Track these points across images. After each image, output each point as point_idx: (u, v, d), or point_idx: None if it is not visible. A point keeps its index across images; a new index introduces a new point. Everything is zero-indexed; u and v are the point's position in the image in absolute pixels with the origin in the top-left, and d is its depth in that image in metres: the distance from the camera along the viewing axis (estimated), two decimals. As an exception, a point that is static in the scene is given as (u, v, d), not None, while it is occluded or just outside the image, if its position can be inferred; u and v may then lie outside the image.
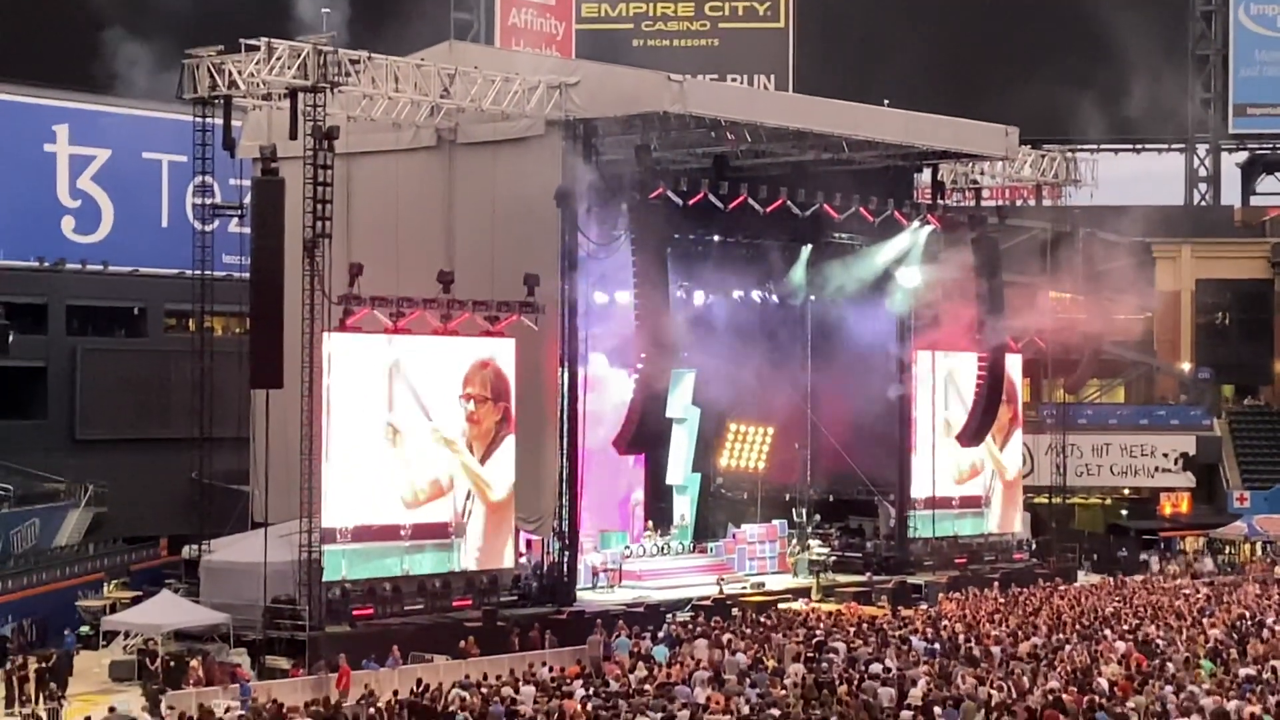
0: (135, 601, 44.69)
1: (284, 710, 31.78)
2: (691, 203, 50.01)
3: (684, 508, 57.87)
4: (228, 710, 33.99)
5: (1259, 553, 66.15)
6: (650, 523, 55.85)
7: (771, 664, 35.80)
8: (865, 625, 41.99)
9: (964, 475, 59.16)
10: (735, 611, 46.19)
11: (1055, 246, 62.38)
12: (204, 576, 44.26)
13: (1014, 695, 31.08)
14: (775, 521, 57.02)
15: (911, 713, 29.86)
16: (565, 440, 46.90)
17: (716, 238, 54.19)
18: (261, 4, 57.73)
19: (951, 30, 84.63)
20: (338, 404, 42.07)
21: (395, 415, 43.30)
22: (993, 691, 31.35)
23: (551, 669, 36.16)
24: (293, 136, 41.37)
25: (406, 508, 43.54)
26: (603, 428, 50.10)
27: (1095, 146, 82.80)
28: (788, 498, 59.66)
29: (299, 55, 41.04)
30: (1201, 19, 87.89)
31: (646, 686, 33.31)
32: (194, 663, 38.44)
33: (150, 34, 52.83)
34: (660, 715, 29.76)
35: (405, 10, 65.10)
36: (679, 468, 57.74)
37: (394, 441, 43.18)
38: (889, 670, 34.11)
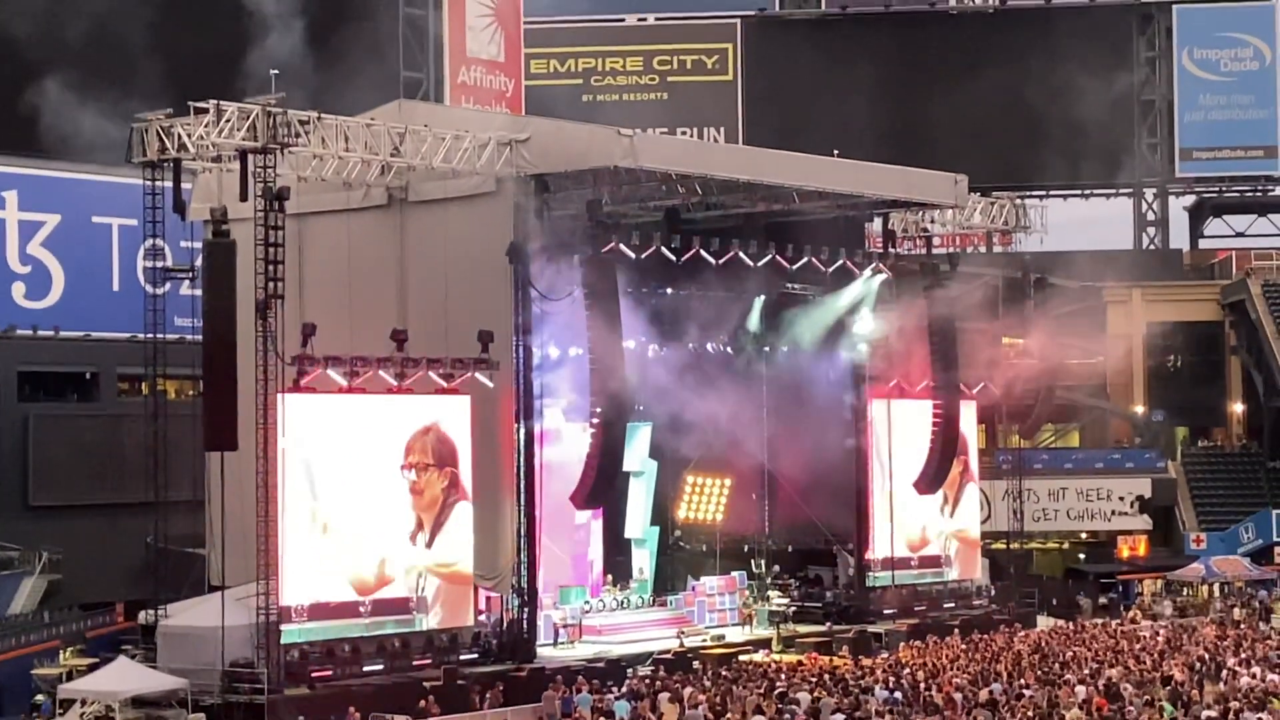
0: (92, 668, 44.26)
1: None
2: (644, 256, 50.10)
3: (643, 561, 57.76)
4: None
5: (1216, 593, 66.35)
6: (609, 577, 55.72)
7: (734, 717, 35.69)
8: (827, 675, 41.95)
9: (916, 543, 59.18)
10: (696, 664, 46.11)
11: (1007, 293, 62.64)
12: (161, 641, 43.87)
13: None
14: (734, 573, 56.97)
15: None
16: (522, 496, 46.78)
17: (670, 290, 54.28)
18: (206, 67, 57.87)
19: (899, 80, 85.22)
20: (292, 465, 41.91)
21: (343, 497, 43.13)
22: (955, 739, 31.36)
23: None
24: (243, 198, 41.32)
25: (359, 594, 43.44)
26: (560, 483, 50.02)
27: (1044, 193, 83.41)
28: (746, 549, 59.64)
29: (248, 117, 41.03)
30: (1146, 64, 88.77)
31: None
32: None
33: (98, 98, 52.74)
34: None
35: (354, 70, 65.14)
36: (637, 521, 57.68)
37: (341, 526, 43.05)
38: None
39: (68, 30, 60.37)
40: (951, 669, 42.59)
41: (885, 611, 56.98)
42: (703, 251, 51.81)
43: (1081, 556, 73.77)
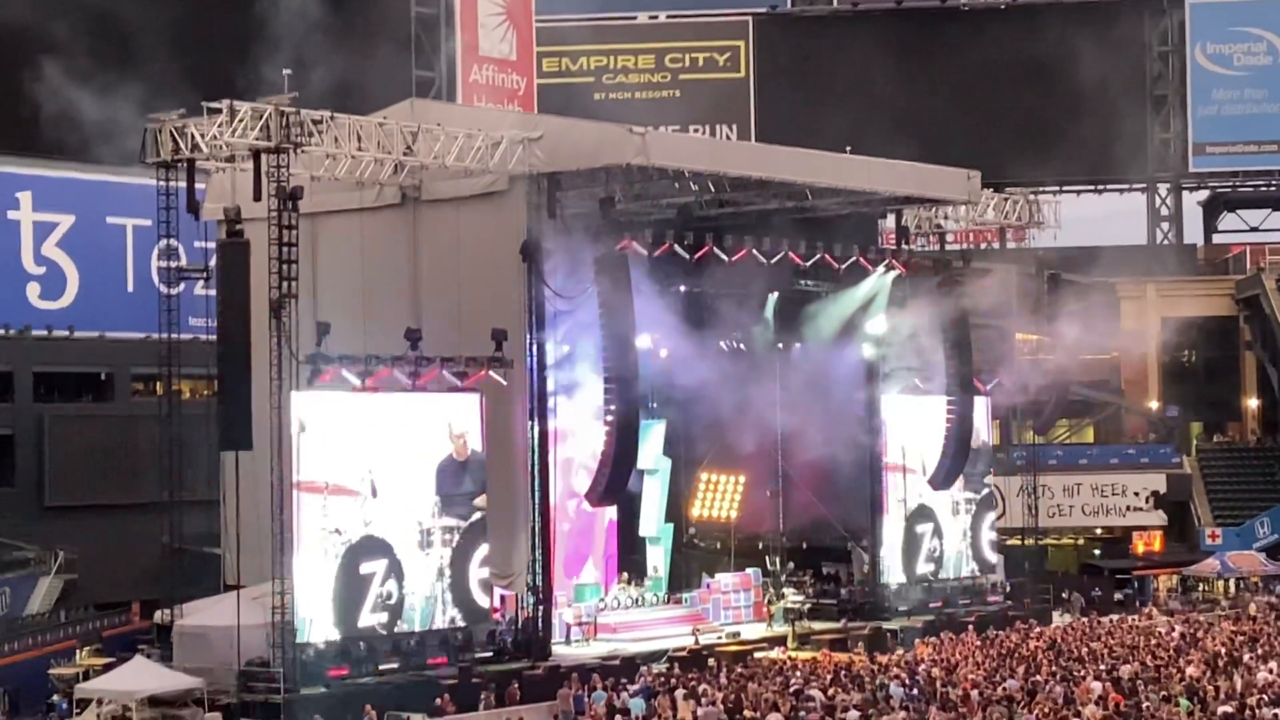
0: (108, 668, 44.33)
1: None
2: (657, 254, 50.13)
3: (657, 559, 57.77)
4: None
5: (1232, 589, 66.28)
6: (624, 574, 55.72)
7: (749, 714, 35.68)
8: (843, 672, 41.93)
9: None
10: (711, 662, 46.10)
11: (1021, 289, 62.55)
12: (177, 641, 43.98)
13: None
14: (749, 570, 56.95)
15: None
16: (536, 494, 46.81)
17: (683, 288, 54.21)
18: (214, 68, 58.00)
19: (911, 76, 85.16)
20: (307, 464, 41.92)
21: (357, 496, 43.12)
22: (971, 735, 31.35)
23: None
24: (257, 198, 41.34)
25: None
26: (574, 480, 50.03)
27: (1057, 188, 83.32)
28: (760, 546, 59.63)
29: (261, 116, 41.03)
30: (1159, 59, 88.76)
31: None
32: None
33: (110, 98, 52.80)
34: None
35: (366, 69, 65.22)
36: (651, 519, 57.67)
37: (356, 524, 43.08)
38: (867, 717, 34.03)
39: (72, 19, 60.48)
40: (967, 665, 42.56)
41: (900, 608, 56.96)
42: (716, 249, 51.80)
43: (1096, 552, 73.73)
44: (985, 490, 59.78)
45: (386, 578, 43.08)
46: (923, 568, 58.19)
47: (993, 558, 60.00)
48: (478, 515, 44.59)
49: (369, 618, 42.80)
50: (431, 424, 44.52)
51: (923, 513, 58.25)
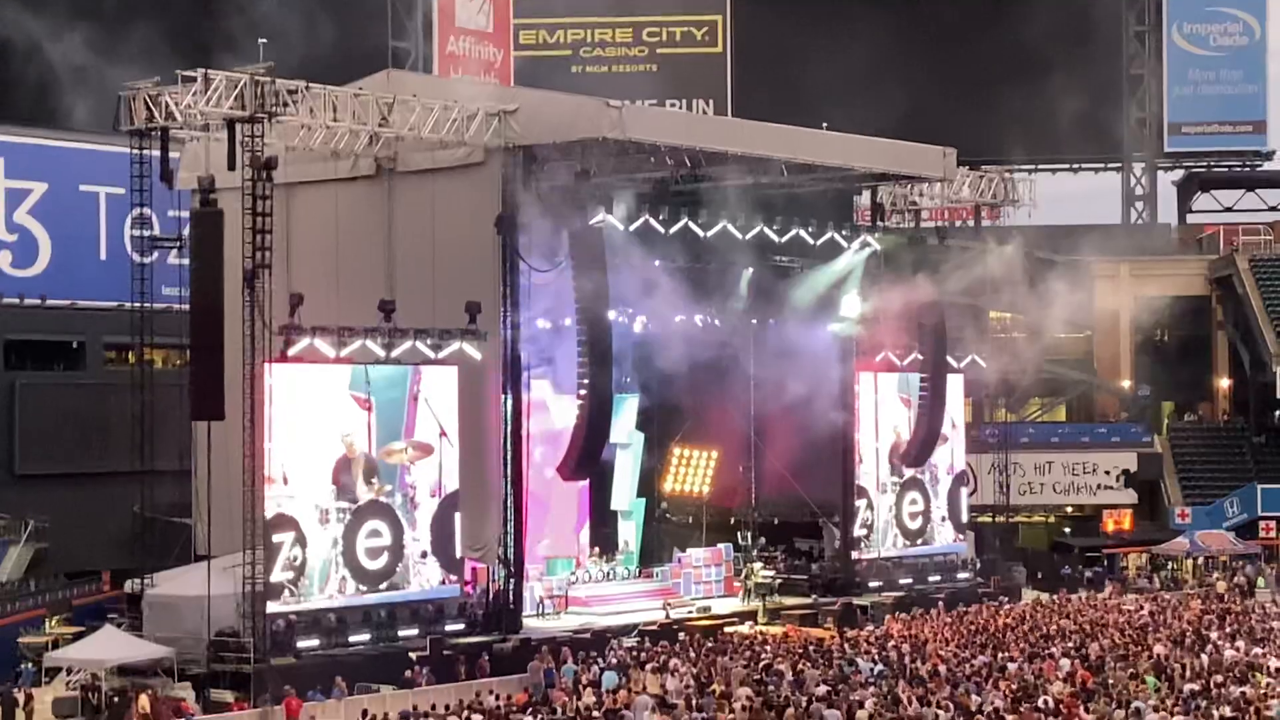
0: (78, 637, 44.33)
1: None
2: (632, 228, 50.08)
3: (629, 533, 57.81)
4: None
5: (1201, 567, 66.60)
6: (596, 548, 55.76)
7: (718, 688, 35.77)
8: (812, 647, 42.05)
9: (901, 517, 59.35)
10: (682, 636, 46.20)
11: (994, 267, 62.59)
12: (147, 610, 43.90)
13: (960, 716, 31.20)
14: (720, 545, 57.03)
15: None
16: (509, 467, 46.79)
17: (658, 262, 54.10)
18: (193, 35, 57.83)
19: (888, 53, 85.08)
20: (279, 434, 41.84)
21: (328, 467, 43.11)
22: (939, 712, 31.46)
23: (498, 697, 36.09)
24: (231, 167, 41.22)
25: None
26: (547, 454, 50.03)
27: (1032, 167, 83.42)
28: (732, 521, 59.71)
29: (236, 86, 40.89)
30: (1135, 39, 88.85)
31: (595, 713, 33.29)
32: (141, 698, 38.14)
33: (86, 66, 52.62)
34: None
35: (342, 39, 65.04)
36: (624, 493, 57.70)
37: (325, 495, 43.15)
38: (836, 692, 34.14)
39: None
40: (936, 641, 42.71)
41: (871, 584, 57.08)
42: (691, 223, 51.79)
43: (1067, 530, 73.99)
44: (909, 474, 59.76)
45: (293, 546, 42.65)
46: (857, 531, 58.06)
47: (913, 526, 60.01)
48: (365, 499, 44.29)
49: (278, 575, 42.11)
50: (328, 426, 43.81)
51: (859, 490, 58.28)
